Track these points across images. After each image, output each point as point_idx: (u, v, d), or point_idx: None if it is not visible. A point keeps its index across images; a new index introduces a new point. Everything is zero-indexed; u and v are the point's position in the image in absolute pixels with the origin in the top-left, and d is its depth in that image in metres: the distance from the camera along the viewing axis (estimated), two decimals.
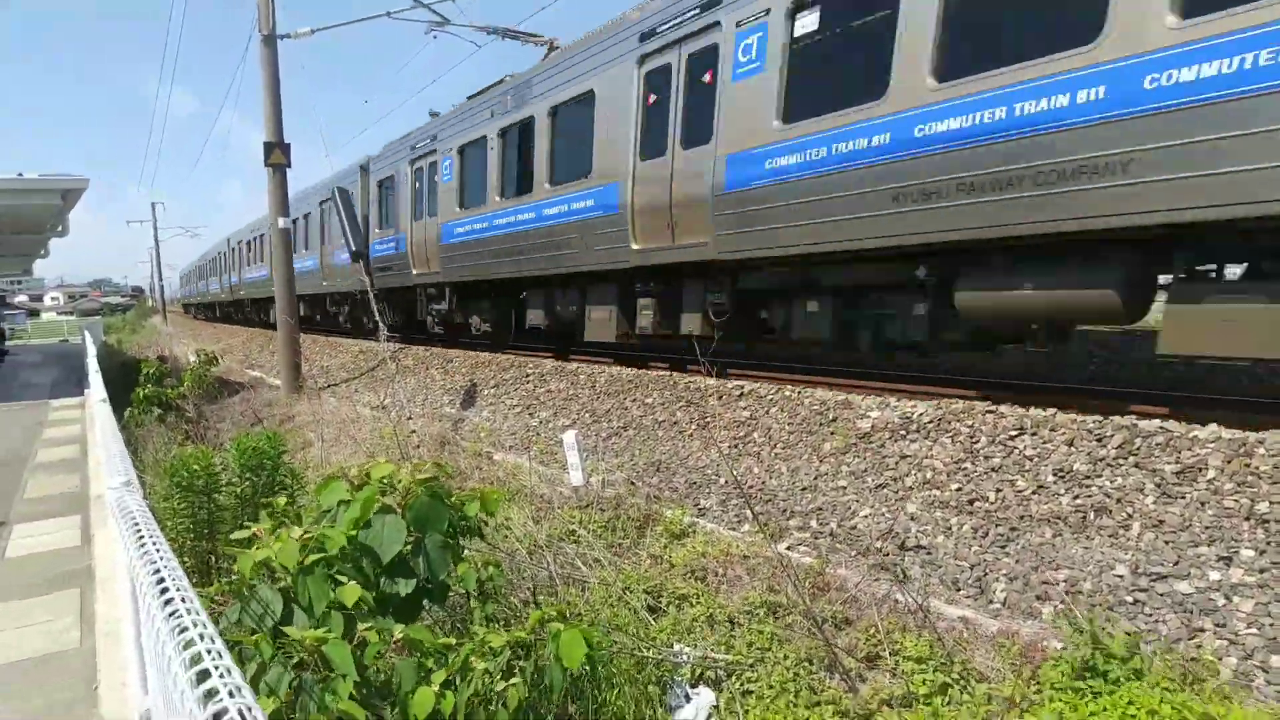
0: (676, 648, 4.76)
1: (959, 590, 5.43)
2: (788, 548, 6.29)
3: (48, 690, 3.80)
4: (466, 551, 4.04)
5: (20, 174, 14.11)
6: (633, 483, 8.05)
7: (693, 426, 8.83)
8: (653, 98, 10.06)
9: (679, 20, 9.51)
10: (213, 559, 6.38)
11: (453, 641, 3.24)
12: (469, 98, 15.04)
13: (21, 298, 58.63)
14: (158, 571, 1.62)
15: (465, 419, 12.31)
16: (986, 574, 5.45)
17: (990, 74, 6.38)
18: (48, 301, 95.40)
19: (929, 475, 6.54)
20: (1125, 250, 6.28)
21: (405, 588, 3.25)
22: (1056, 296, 6.57)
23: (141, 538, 1.89)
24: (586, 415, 10.44)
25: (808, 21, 8.08)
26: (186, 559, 6.44)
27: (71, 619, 4.67)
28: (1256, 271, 5.79)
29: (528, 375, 12.66)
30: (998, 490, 6.02)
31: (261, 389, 18.19)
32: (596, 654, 3.84)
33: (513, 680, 3.07)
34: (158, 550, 1.78)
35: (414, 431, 11.31)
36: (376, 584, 3.21)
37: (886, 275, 8.15)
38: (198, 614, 1.39)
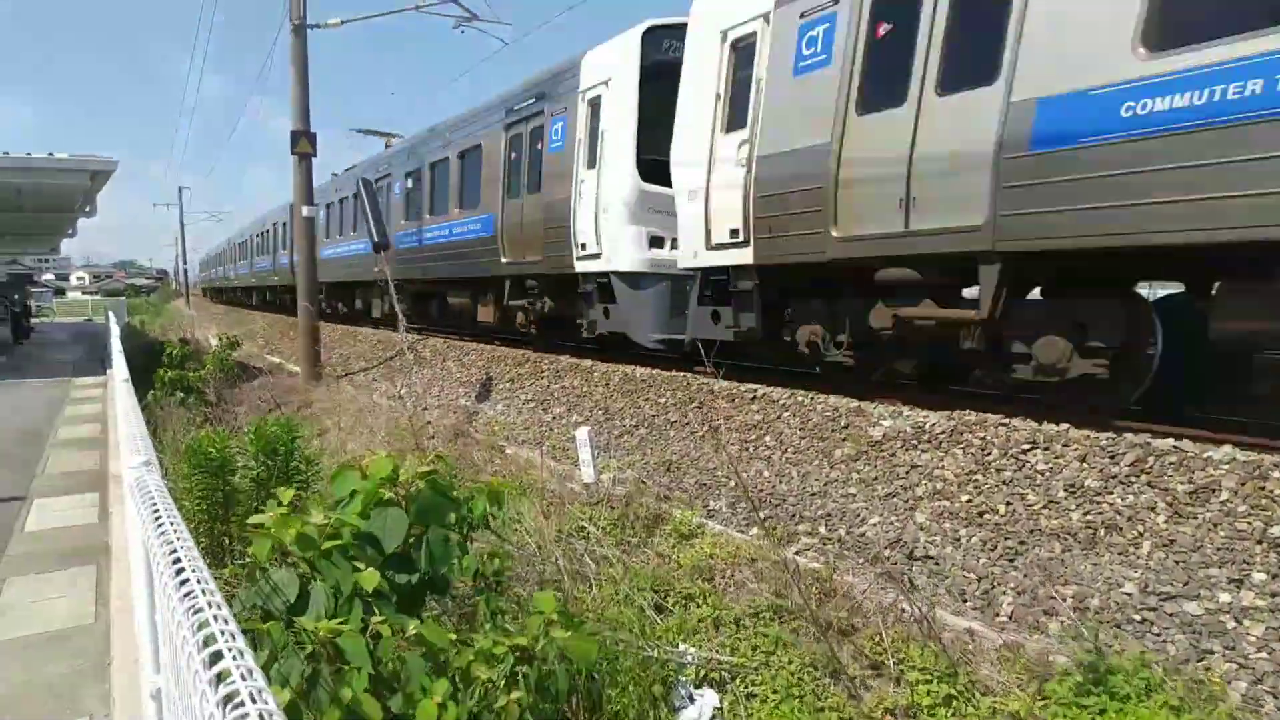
0: (681, 648, 4.75)
1: (966, 602, 5.39)
2: (796, 552, 6.26)
3: (62, 665, 3.83)
4: (475, 544, 4.05)
5: (51, 154, 14.25)
6: (643, 481, 8.04)
7: (704, 428, 8.81)
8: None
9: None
10: (227, 540, 6.42)
11: (453, 635, 3.22)
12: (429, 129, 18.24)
13: (48, 276, 59.23)
14: (174, 552, 1.63)
15: (480, 412, 12.34)
16: (994, 587, 5.41)
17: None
18: (73, 281, 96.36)
19: (939, 486, 6.50)
20: None
21: (406, 579, 3.25)
22: None
23: (159, 518, 1.91)
24: (600, 413, 10.44)
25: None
26: (202, 540, 6.49)
27: (88, 594, 4.71)
28: None
29: (543, 371, 12.67)
30: (1008, 503, 5.97)
31: (281, 375, 18.31)
32: (601, 652, 3.84)
33: (515, 694, 3.05)
34: (175, 531, 1.79)
35: (429, 422, 11.35)
36: (382, 574, 3.22)
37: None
38: (213, 595, 1.39)
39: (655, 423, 9.45)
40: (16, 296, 26.43)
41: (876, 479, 6.92)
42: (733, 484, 7.62)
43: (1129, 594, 4.88)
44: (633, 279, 11.03)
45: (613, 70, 11.01)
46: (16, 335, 23.12)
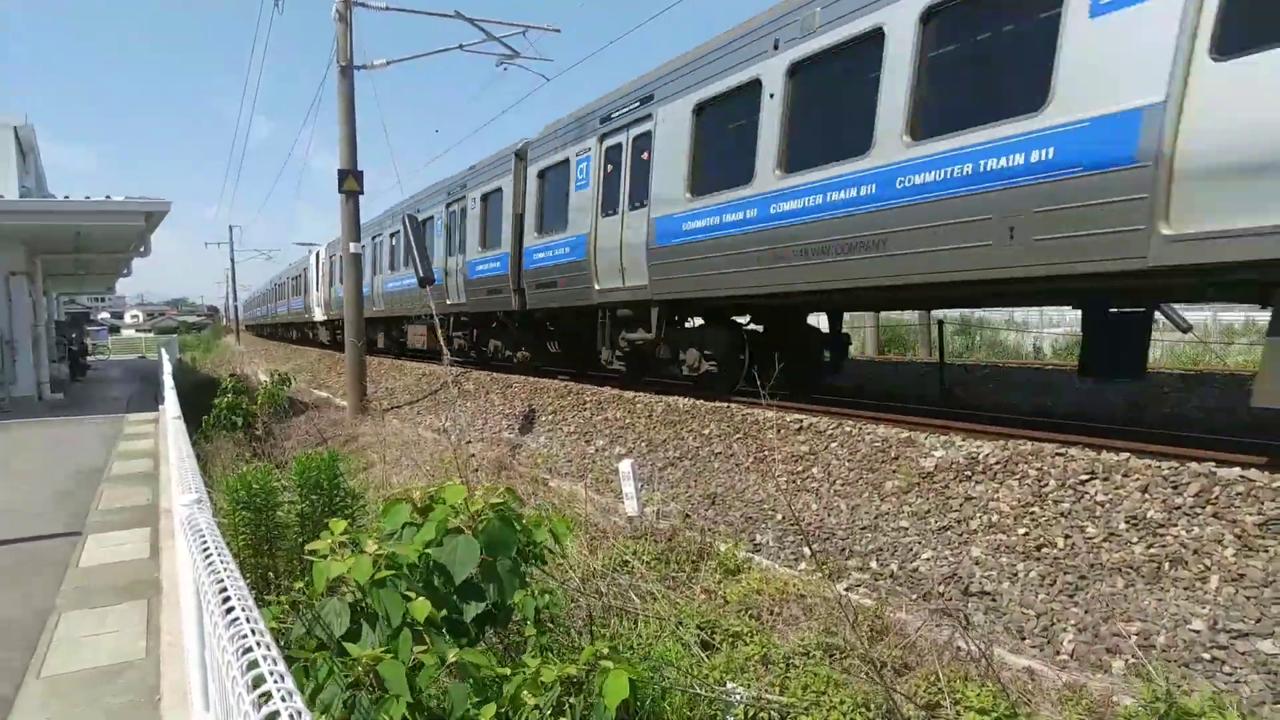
0: (729, 686, 4.67)
1: (1025, 639, 5.23)
2: (846, 588, 6.15)
3: (115, 699, 3.89)
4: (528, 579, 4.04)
5: (108, 196, 14.79)
6: (688, 515, 7.98)
7: (750, 459, 8.73)
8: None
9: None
10: (271, 575, 6.50)
11: (507, 672, 3.23)
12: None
13: (104, 315, 61.23)
14: (224, 591, 1.65)
15: (523, 444, 12.39)
16: (1054, 623, 5.24)
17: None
18: (128, 319, 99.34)
19: (994, 518, 6.34)
20: None
21: (474, 610, 3.25)
22: None
23: (210, 556, 1.93)
24: (643, 444, 10.41)
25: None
26: (247, 575, 6.58)
27: (139, 630, 4.79)
28: None
29: (585, 403, 12.70)
30: (1067, 536, 5.81)
31: (328, 409, 18.60)
32: (644, 691, 3.79)
33: (561, 718, 3.04)
34: (225, 569, 1.81)
35: (473, 455, 11.42)
36: (445, 604, 3.22)
37: None
38: (262, 635, 1.40)
39: (699, 454, 9.39)
40: (74, 335, 27.33)
41: (929, 512, 6.79)
42: (780, 517, 7.52)
43: (1197, 631, 4.70)
44: None
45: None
46: (74, 372, 23.86)
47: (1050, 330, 24.57)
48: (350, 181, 17.00)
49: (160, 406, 13.62)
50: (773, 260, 9.12)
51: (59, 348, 21.96)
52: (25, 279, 16.26)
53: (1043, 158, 6.51)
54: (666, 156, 10.82)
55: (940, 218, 7.28)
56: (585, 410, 12.45)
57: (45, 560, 6.13)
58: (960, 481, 6.94)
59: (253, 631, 1.36)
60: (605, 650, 3.38)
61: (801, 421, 8.93)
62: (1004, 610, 5.51)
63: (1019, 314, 29.23)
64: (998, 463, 6.87)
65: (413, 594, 3.08)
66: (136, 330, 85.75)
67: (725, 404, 10.37)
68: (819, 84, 8.77)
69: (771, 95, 9.10)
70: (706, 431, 9.78)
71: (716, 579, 6.28)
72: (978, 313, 27.93)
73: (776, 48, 9.02)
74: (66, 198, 15.76)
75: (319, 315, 33.41)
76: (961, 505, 6.66)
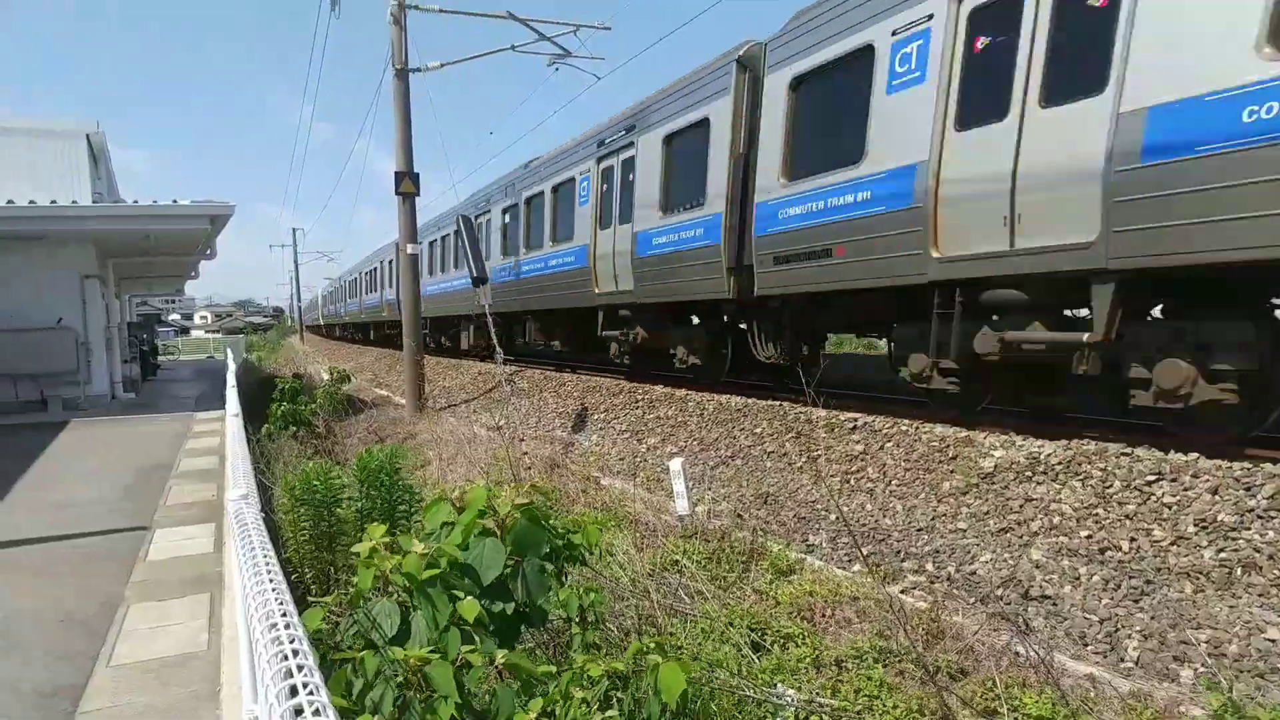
0: (779, 689, 4.63)
1: (1087, 645, 5.08)
2: (901, 591, 6.05)
3: (177, 690, 4.02)
4: (570, 577, 4.06)
5: (175, 200, 15.30)
6: (739, 514, 7.94)
7: (803, 459, 8.65)
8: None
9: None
10: (332, 570, 6.64)
11: (554, 670, 3.24)
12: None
13: (174, 316, 63.38)
14: (261, 583, 1.69)
15: (575, 443, 12.46)
16: (1118, 629, 5.09)
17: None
18: (196, 320, 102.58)
19: (1056, 520, 6.18)
20: None
21: (507, 608, 3.28)
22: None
23: (253, 549, 1.98)
24: (694, 443, 10.39)
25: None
26: (308, 570, 6.73)
27: (201, 622, 4.94)
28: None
29: (637, 401, 12.72)
30: (1132, 539, 5.63)
31: (387, 407, 18.95)
32: (693, 691, 3.78)
33: (609, 713, 3.05)
34: (266, 563, 1.85)
35: (526, 454, 11.52)
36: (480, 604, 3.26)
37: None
38: (295, 630, 1.43)
39: (751, 453, 9.34)
40: (145, 336, 28.28)
41: (988, 513, 6.64)
42: (833, 518, 7.43)
43: (1272, 640, 4.51)
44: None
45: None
46: (145, 372, 24.69)
47: None
48: (407, 183, 17.25)
49: (227, 406, 14.03)
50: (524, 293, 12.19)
51: (131, 348, 22.75)
52: (98, 281, 16.86)
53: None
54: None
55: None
56: (637, 408, 12.47)
57: (115, 553, 6.36)
58: (1021, 482, 6.77)
59: (286, 627, 1.39)
60: (651, 645, 3.38)
61: (856, 420, 8.81)
62: (1065, 615, 5.36)
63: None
64: (1060, 463, 6.69)
65: (460, 593, 3.12)
66: (205, 331, 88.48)
67: (778, 402, 10.29)
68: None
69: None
70: (759, 430, 9.71)
71: (768, 580, 6.23)
72: None
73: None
74: (135, 202, 16.33)
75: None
76: (1022, 507, 6.50)
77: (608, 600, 5.10)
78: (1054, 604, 5.50)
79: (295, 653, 1.28)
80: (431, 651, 2.79)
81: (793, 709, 4.43)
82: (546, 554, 3.51)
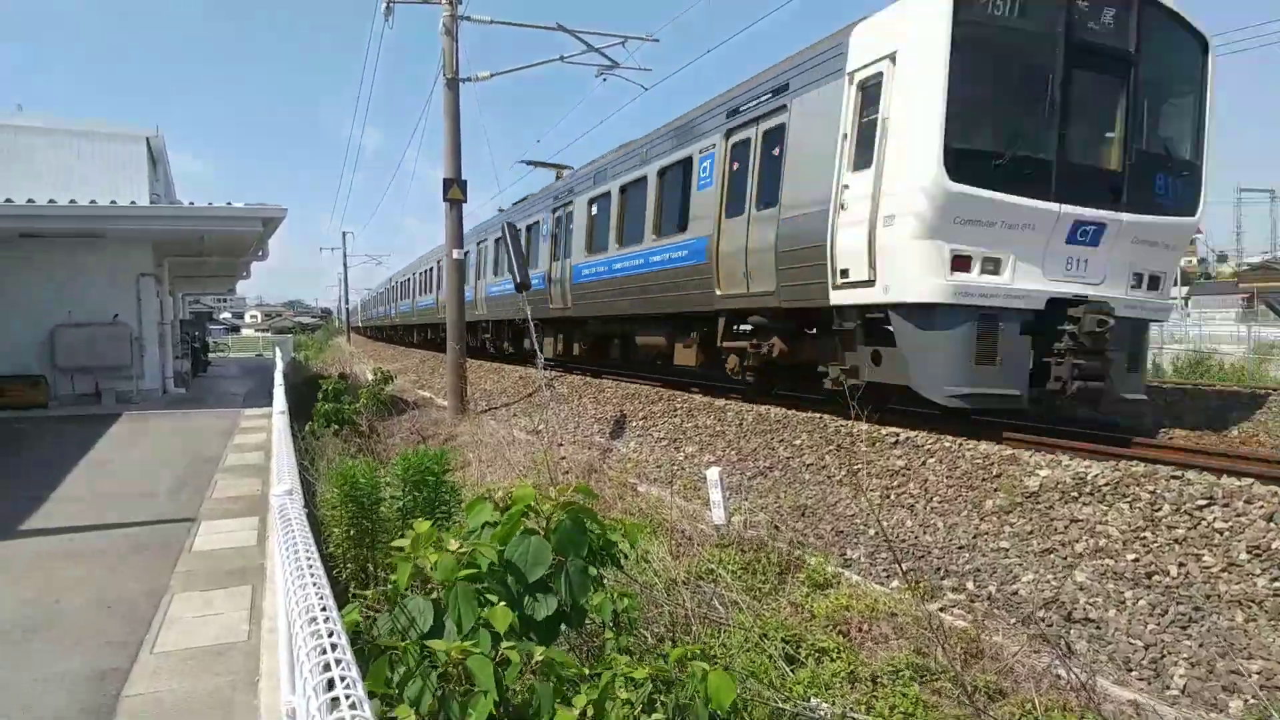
0: (814, 702, 4.58)
1: (1131, 671, 4.95)
2: (940, 608, 5.94)
3: (218, 678, 4.10)
4: (604, 581, 4.05)
5: (229, 203, 15.68)
6: (776, 526, 7.88)
7: (842, 472, 8.56)
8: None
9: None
10: (371, 567, 6.70)
11: (585, 671, 3.24)
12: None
13: (225, 314, 64.92)
14: (303, 576, 1.71)
15: (613, 449, 12.48)
16: (1164, 656, 4.95)
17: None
18: (247, 319, 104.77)
19: (1102, 542, 6.04)
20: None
21: (546, 608, 3.28)
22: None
23: (295, 543, 2.01)
24: (732, 453, 10.34)
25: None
26: (348, 566, 6.81)
27: (243, 613, 5.03)
28: None
29: (676, 409, 12.70)
30: (1180, 564, 5.48)
31: (429, 409, 19.16)
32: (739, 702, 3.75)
33: (654, 715, 3.04)
34: (308, 558, 1.88)
35: (564, 458, 11.56)
36: (519, 603, 3.27)
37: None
38: (335, 624, 1.45)
39: (790, 465, 9.27)
40: (196, 333, 28.98)
41: (1031, 533, 6.51)
42: (872, 533, 7.34)
43: None
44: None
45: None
46: (195, 368, 25.29)
47: (1172, 346, 23.28)
48: (455, 190, 17.48)
49: (274, 403, 14.29)
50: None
51: (183, 345, 23.31)
52: (153, 279, 17.33)
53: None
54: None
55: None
56: (675, 416, 12.45)
57: (162, 544, 6.51)
58: (1066, 503, 6.64)
59: (326, 619, 1.41)
60: (696, 652, 3.37)
61: (898, 435, 8.71)
62: (1109, 639, 5.23)
63: None
64: (1107, 484, 6.55)
65: (494, 596, 3.12)
66: (255, 330, 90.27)
67: (818, 415, 10.20)
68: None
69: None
70: (798, 442, 9.64)
71: (804, 592, 6.16)
72: None
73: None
74: (191, 204, 16.76)
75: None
76: (1067, 527, 6.37)
77: (641, 606, 5.09)
78: (1098, 627, 5.37)
79: (334, 646, 1.30)
80: (474, 645, 2.81)
81: None
82: (587, 554, 3.51)
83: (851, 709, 4.59)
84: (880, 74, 8.81)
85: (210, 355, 34.95)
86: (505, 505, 3.43)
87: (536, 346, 15.62)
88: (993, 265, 8.38)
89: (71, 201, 15.27)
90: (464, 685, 2.73)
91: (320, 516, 7.27)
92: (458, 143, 17.47)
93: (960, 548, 6.74)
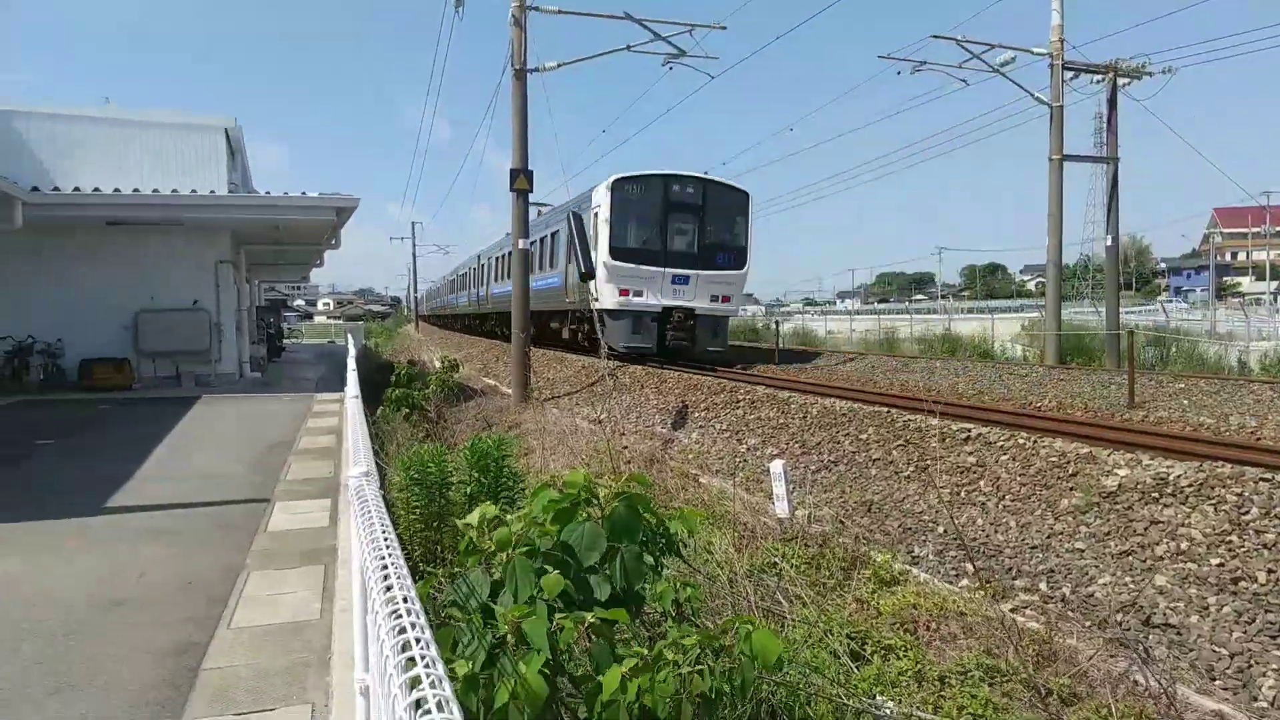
0: (879, 700, 4.51)
1: (1214, 680, 4.76)
2: (1012, 609, 5.80)
3: (292, 655, 4.21)
4: (666, 570, 4.05)
5: (304, 192, 16.04)
6: (841, 521, 7.78)
7: (910, 468, 8.40)
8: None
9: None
10: (439, 549, 6.83)
11: (644, 651, 3.24)
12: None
13: (299, 301, 66.79)
14: (382, 558, 1.74)
15: (675, 439, 12.46)
16: (1251, 665, 4.74)
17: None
18: (320, 306, 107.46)
19: (1184, 546, 5.81)
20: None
21: (601, 592, 3.30)
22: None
23: (372, 525, 2.05)
24: (796, 446, 10.24)
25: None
26: (416, 547, 6.95)
27: (315, 592, 5.15)
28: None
29: (738, 401, 12.62)
30: (1270, 571, 5.24)
31: (494, 396, 19.41)
32: (791, 694, 3.72)
33: (699, 666, 3.05)
34: (385, 538, 1.91)
35: (626, 448, 11.60)
36: (576, 587, 3.30)
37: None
38: (412, 602, 1.46)
39: (856, 460, 9.13)
40: (271, 319, 29.80)
41: (1109, 534, 6.30)
42: (941, 530, 7.19)
43: None
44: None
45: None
46: (270, 354, 26.04)
47: (1259, 344, 22.26)
48: (521, 180, 17.61)
49: (346, 388, 14.64)
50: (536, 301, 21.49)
51: (259, 331, 23.99)
52: (231, 267, 17.85)
53: (555, 283, 22.45)
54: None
55: (543, 292, 22.44)
56: (738, 409, 12.37)
57: (238, 523, 6.71)
58: (1146, 504, 6.40)
59: (404, 599, 1.42)
60: (745, 620, 3.36)
61: (969, 431, 8.51)
62: (1191, 646, 5.03)
63: (1223, 324, 26.72)
64: (1190, 485, 6.30)
65: (550, 567, 3.18)
66: (327, 317, 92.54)
67: (885, 409, 10.03)
68: (538, 248, 23.58)
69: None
70: (864, 436, 9.49)
71: (869, 589, 6.07)
72: (1174, 321, 25.78)
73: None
74: (268, 193, 17.21)
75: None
76: (1146, 529, 6.14)
77: (704, 598, 5.07)
78: (1178, 633, 5.17)
79: (413, 624, 1.31)
80: (530, 610, 2.86)
81: None
82: (643, 541, 3.52)
83: (918, 709, 4.51)
84: (597, 212, 19.07)
85: (285, 341, 35.90)
86: (567, 491, 3.47)
87: (600, 337, 15.79)
88: (638, 292, 18.41)
89: (154, 191, 15.80)
90: (520, 649, 2.80)
91: (390, 499, 7.42)
92: (524, 133, 17.58)
93: (1033, 548, 6.56)
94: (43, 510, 6.88)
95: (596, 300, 18.39)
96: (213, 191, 17.25)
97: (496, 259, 31.76)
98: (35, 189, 14.55)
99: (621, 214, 18.65)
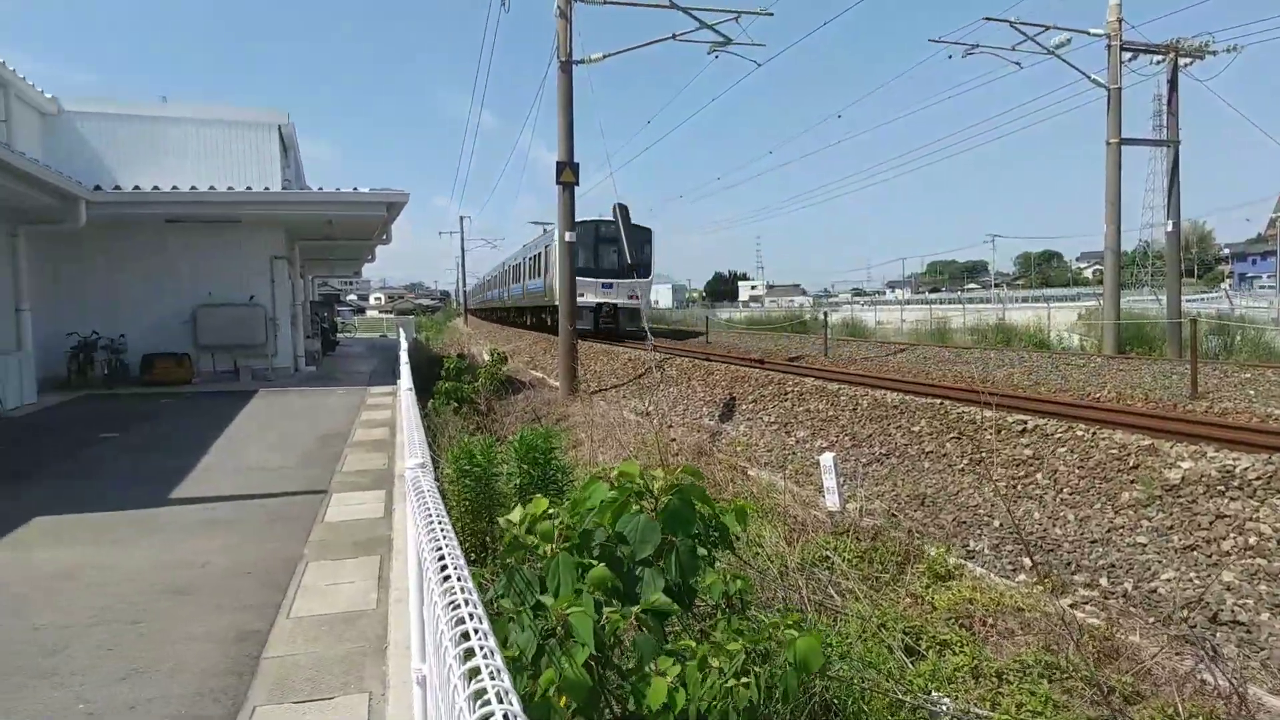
0: (934, 696, 4.44)
1: None
2: (1071, 605, 5.67)
3: (349, 644, 4.28)
4: (717, 563, 4.03)
5: (355, 188, 16.27)
6: (894, 514, 7.67)
7: (964, 460, 8.25)
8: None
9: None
10: (489, 540, 6.90)
11: (693, 644, 3.24)
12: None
13: (351, 296, 68.03)
14: (439, 549, 1.74)
15: (723, 432, 12.41)
16: None
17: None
18: (371, 301, 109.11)
19: (1253, 541, 5.62)
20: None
21: (655, 587, 3.29)
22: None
23: (430, 516, 2.06)
24: (846, 438, 10.12)
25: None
26: (467, 539, 7.02)
27: (371, 583, 5.24)
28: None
29: (786, 393, 12.52)
30: None
31: (542, 389, 19.55)
32: (846, 690, 3.68)
33: (744, 679, 3.03)
34: (442, 529, 1.92)
35: (674, 440, 11.58)
36: (628, 580, 3.30)
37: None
38: (470, 594, 1.46)
39: (908, 452, 9.00)
40: (325, 314, 30.36)
41: (1172, 528, 6.12)
42: (997, 524, 7.06)
43: None
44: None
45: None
46: (324, 348, 26.55)
47: None
48: (567, 173, 17.61)
49: (398, 381, 14.84)
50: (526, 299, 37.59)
51: (313, 325, 24.43)
52: (285, 262, 18.18)
53: (539, 286, 33.06)
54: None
55: (520, 294, 40.14)
56: (786, 401, 12.28)
57: (295, 515, 6.85)
58: (1211, 497, 6.20)
59: (462, 590, 1.42)
60: (789, 623, 3.32)
61: (1025, 423, 8.33)
62: (1262, 645, 4.87)
63: None
64: (1259, 478, 6.08)
65: (593, 562, 3.19)
66: (379, 312, 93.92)
67: (938, 401, 9.87)
68: (528, 263, 37.61)
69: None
70: (916, 429, 9.35)
71: (924, 584, 5.98)
72: (1239, 309, 25.00)
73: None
74: (320, 189, 17.49)
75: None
76: (1212, 524, 5.96)
77: (755, 590, 5.04)
78: (1248, 631, 5.01)
79: (471, 615, 1.31)
80: (577, 603, 2.88)
81: (948, 717, 4.24)
82: (696, 535, 3.50)
83: (975, 705, 4.43)
84: (551, 244, 25.27)
85: (338, 335, 36.53)
86: (618, 484, 3.46)
87: (648, 330, 15.91)
88: (581, 294, 22.37)
89: (211, 188, 16.15)
90: (567, 643, 2.82)
91: (442, 490, 7.51)
92: (570, 126, 17.60)
93: (1093, 542, 6.40)
94: (107, 501, 7.09)
95: (556, 299, 28.15)
96: (267, 188, 17.59)
97: (533, 257, 39.37)
98: (98, 188, 14.93)
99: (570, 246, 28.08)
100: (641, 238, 28.64)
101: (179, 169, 17.35)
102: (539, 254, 36.22)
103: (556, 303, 26.39)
